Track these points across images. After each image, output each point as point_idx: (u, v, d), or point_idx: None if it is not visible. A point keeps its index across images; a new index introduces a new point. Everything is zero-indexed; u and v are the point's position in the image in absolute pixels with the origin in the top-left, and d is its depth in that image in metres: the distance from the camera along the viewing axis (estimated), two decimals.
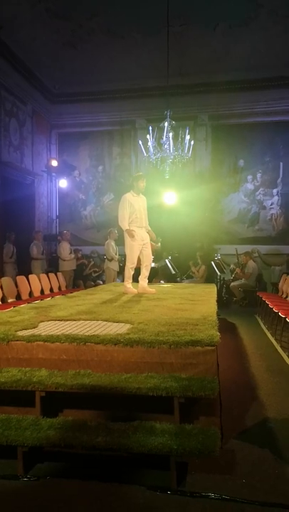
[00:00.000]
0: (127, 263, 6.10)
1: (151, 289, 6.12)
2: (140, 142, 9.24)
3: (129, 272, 6.10)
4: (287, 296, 7.46)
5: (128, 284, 6.10)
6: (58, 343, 2.99)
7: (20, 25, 8.74)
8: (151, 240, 6.23)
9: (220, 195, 11.51)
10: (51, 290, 8.10)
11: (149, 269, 6.28)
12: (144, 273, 6.19)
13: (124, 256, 10.60)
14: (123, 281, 9.62)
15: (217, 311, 4.41)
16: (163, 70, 8.57)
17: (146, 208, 6.17)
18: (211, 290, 6.71)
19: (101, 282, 10.34)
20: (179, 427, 2.60)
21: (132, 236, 5.86)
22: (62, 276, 9.06)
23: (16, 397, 2.87)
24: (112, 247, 9.43)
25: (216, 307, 4.69)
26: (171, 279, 10.04)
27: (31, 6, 8.23)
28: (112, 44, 9.49)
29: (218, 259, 10.60)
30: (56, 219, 12.35)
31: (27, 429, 2.59)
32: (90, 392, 2.71)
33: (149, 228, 6.20)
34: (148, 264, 6.17)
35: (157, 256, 9.52)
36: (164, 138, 8.63)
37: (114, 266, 9.53)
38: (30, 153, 11.16)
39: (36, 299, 6.80)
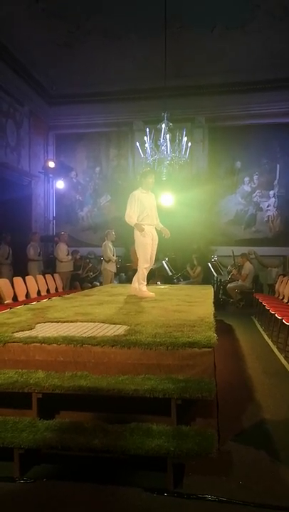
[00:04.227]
0: (140, 263, 5.63)
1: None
2: (137, 144, 9.25)
3: (143, 274, 5.64)
4: (283, 298, 7.48)
5: (144, 287, 5.66)
6: (54, 345, 2.98)
7: (16, 26, 8.73)
8: (164, 235, 5.80)
9: (217, 197, 11.54)
10: (48, 291, 8.09)
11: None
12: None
13: (122, 257, 10.57)
14: (120, 282, 9.51)
15: (214, 313, 4.41)
16: (160, 72, 8.59)
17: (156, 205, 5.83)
18: (208, 291, 6.71)
19: (98, 284, 10.32)
20: (175, 428, 2.59)
21: (141, 230, 5.41)
22: (59, 278, 9.06)
23: (12, 398, 2.85)
24: (109, 249, 9.42)
25: (212, 309, 4.68)
26: (167, 280, 10.05)
27: (28, 6, 8.21)
28: (109, 45, 9.49)
29: (215, 260, 10.62)
30: (53, 220, 12.34)
31: (23, 431, 2.58)
32: (87, 394, 2.70)
33: (161, 225, 5.79)
34: (150, 265, 5.87)
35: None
36: (161, 139, 8.64)
37: (112, 267, 9.52)
38: (27, 155, 11.15)
39: (33, 300, 6.78)
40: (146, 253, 5.59)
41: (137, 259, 5.84)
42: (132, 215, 5.49)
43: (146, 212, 5.54)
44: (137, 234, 5.55)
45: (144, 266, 5.63)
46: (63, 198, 12.34)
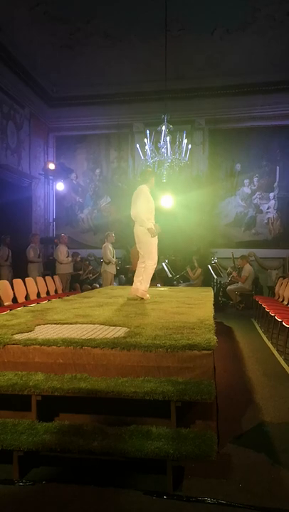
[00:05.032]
0: (148, 262, 5.49)
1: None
2: (137, 146, 9.26)
3: (150, 274, 5.53)
4: (283, 300, 7.48)
5: (144, 286, 5.55)
6: (54, 347, 2.98)
7: (18, 28, 8.77)
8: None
9: (217, 199, 11.56)
10: (48, 293, 8.09)
11: None
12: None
13: (121, 259, 10.56)
14: (120, 284, 9.46)
15: (214, 315, 4.41)
16: (161, 74, 8.61)
17: None
18: (208, 294, 6.71)
19: (98, 286, 10.32)
20: (175, 431, 2.59)
21: (154, 235, 5.38)
22: (58, 280, 9.06)
23: (11, 401, 2.85)
24: (109, 250, 9.42)
25: (212, 311, 4.68)
26: (167, 282, 10.05)
27: (29, 9, 8.24)
28: (109, 47, 9.52)
29: (215, 262, 10.62)
30: (53, 222, 12.35)
31: (23, 434, 2.58)
32: (87, 396, 2.70)
33: (154, 222, 5.63)
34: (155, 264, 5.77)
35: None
36: (162, 142, 8.65)
37: (112, 269, 9.52)
38: (28, 156, 11.16)
39: (33, 302, 6.78)
40: (154, 252, 5.53)
41: (137, 260, 5.79)
42: (145, 213, 5.33)
43: (151, 212, 5.49)
44: (143, 232, 5.41)
45: (153, 265, 5.56)
46: (63, 199, 12.35)
